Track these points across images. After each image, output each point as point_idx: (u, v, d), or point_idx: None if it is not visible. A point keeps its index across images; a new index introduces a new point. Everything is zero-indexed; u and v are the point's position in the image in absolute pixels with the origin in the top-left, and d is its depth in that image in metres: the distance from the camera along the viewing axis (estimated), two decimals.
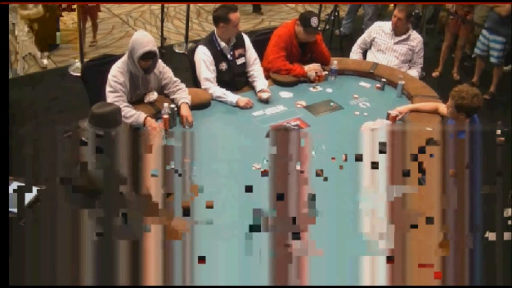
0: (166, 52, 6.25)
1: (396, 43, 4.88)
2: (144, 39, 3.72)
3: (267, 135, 3.33)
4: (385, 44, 4.90)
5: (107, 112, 3.00)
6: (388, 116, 4.01)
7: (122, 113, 3.59)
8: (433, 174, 3.17)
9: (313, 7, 7.44)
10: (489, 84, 6.23)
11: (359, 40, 5.11)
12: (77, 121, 3.62)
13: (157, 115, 3.89)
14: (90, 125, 2.99)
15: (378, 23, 5.09)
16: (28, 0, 5.79)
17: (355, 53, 5.11)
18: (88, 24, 6.63)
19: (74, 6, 6.29)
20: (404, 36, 4.87)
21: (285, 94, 4.39)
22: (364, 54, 5.12)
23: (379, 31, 4.94)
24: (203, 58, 4.19)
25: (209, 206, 3.03)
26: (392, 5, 6.98)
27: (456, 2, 6.38)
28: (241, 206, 3.16)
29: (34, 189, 3.27)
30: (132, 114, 3.71)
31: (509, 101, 5.83)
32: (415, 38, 4.90)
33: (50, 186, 3.26)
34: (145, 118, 3.71)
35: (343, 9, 7.45)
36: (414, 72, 4.88)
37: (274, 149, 3.09)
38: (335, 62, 4.66)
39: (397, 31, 4.86)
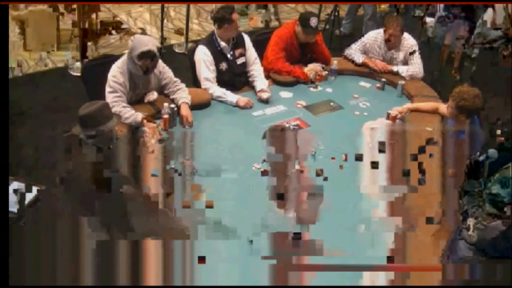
0: (166, 52, 6.24)
1: (388, 59, 4.73)
2: (144, 39, 3.74)
3: (264, 136, 3.34)
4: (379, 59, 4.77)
5: (93, 111, 2.89)
6: (388, 116, 4.01)
7: (121, 114, 3.59)
8: (433, 174, 3.18)
9: (313, 7, 7.43)
10: (485, 83, 6.17)
11: (357, 46, 4.91)
12: (77, 121, 3.61)
13: (157, 115, 3.89)
14: (81, 129, 2.90)
15: (372, 33, 4.86)
16: (29, 0, 5.78)
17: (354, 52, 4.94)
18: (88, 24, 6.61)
19: (74, 6, 6.29)
20: (395, 50, 4.71)
21: (285, 94, 4.39)
22: None
23: (374, 45, 4.74)
24: (203, 58, 4.19)
25: (209, 206, 3.03)
26: (383, 5, 6.89)
27: (455, 2, 6.37)
28: (241, 206, 3.16)
29: (34, 189, 3.27)
30: (130, 115, 3.69)
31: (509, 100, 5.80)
32: (407, 45, 4.68)
33: (50, 186, 3.26)
34: (142, 120, 3.70)
35: (343, 9, 7.44)
36: (404, 69, 4.61)
37: (272, 149, 3.10)
38: (335, 62, 4.64)
39: (390, 46, 4.73)
